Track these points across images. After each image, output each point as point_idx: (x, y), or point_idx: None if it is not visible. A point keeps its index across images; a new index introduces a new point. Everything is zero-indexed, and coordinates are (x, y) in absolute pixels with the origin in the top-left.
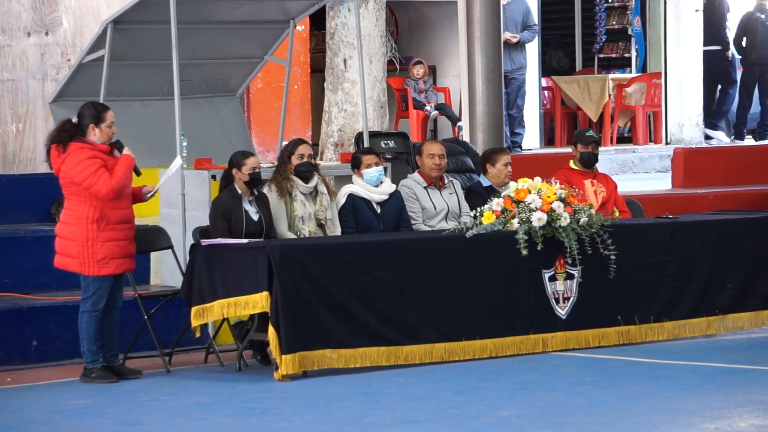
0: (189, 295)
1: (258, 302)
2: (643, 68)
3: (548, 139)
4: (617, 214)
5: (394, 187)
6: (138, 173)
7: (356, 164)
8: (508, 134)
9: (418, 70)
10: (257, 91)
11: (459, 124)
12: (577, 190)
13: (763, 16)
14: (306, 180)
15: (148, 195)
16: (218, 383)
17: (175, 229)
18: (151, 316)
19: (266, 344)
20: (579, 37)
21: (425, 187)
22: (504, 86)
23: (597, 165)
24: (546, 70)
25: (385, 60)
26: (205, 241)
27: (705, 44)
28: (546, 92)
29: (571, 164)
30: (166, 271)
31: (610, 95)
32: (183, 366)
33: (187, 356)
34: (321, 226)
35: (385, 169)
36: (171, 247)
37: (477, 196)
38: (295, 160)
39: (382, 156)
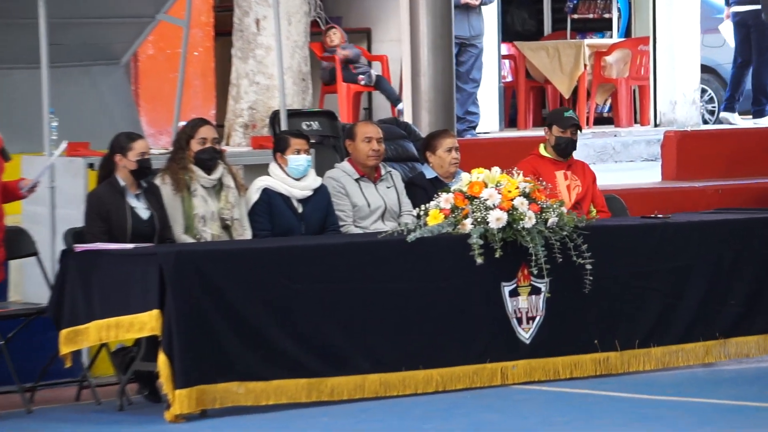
0: (58, 315)
1: (146, 323)
2: (626, 32)
3: (509, 119)
4: (594, 213)
5: (319, 180)
6: (7, 158)
7: (281, 147)
8: (461, 114)
9: (332, 37)
10: (147, 59)
11: (399, 106)
12: (545, 183)
13: None
14: (208, 170)
15: (25, 189)
16: (94, 426)
17: (41, 230)
18: (8, 341)
19: (156, 376)
20: None
21: (357, 180)
22: (456, 55)
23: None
24: (507, 34)
25: (308, 21)
26: (79, 247)
27: (736, 1)
28: (507, 62)
29: (542, 150)
30: (29, 284)
31: (585, 65)
32: (49, 404)
33: (54, 392)
34: (227, 227)
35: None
36: (36, 253)
37: (420, 191)
38: (194, 146)
39: None
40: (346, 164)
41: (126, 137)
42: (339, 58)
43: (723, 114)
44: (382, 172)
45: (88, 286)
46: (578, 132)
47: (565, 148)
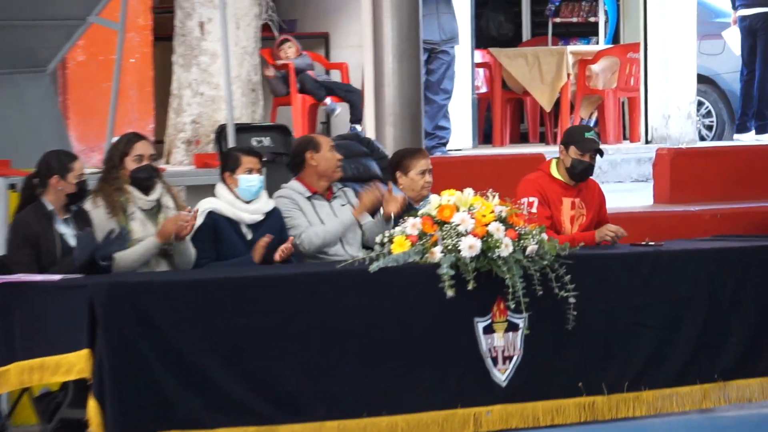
0: None
1: (74, 365)
2: (614, 38)
3: (484, 135)
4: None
5: (271, 203)
6: None
7: (230, 166)
8: (430, 129)
9: (287, 51)
10: (77, 66)
11: (354, 127)
12: (528, 209)
13: None
14: (146, 191)
15: None
16: None
17: None
18: None
19: (85, 425)
20: None
21: (309, 198)
22: (426, 62)
23: None
24: (482, 39)
25: (259, 24)
26: None
27: (743, 4)
28: (481, 70)
29: (553, 169)
30: None
31: (569, 75)
32: None
33: None
34: (167, 254)
35: None
36: None
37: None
38: (130, 164)
39: None
40: (294, 183)
41: (66, 156)
42: (293, 66)
43: (736, 135)
44: (334, 189)
45: (9, 323)
46: (597, 156)
47: (580, 174)
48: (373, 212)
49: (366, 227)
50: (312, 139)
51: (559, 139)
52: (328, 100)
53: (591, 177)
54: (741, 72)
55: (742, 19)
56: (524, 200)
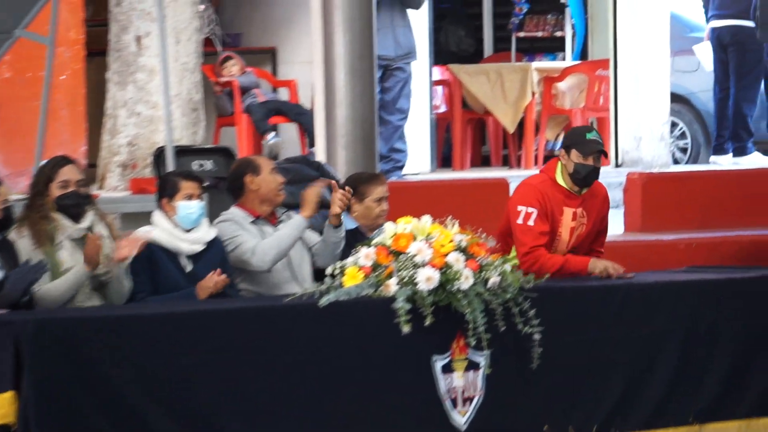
0: None
1: None
2: (582, 54)
3: (443, 158)
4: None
5: (213, 232)
6: None
7: (168, 192)
8: (385, 151)
9: (231, 69)
10: (3, 84)
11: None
12: (484, 236)
13: None
14: (75, 218)
15: None
16: None
17: None
18: None
19: None
20: (489, 7)
21: (253, 223)
22: (380, 79)
23: None
24: (440, 55)
25: (200, 39)
26: None
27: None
28: (440, 88)
29: (558, 177)
30: None
31: (533, 93)
32: None
33: None
34: (100, 287)
35: None
36: None
37: None
38: (54, 190)
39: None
40: (235, 210)
41: None
42: (238, 84)
43: (713, 158)
44: (278, 214)
45: None
46: (601, 159)
47: (584, 179)
48: (321, 206)
49: (316, 249)
50: (251, 162)
51: (523, 163)
52: (269, 135)
53: (603, 186)
54: (714, 90)
55: (712, 31)
56: (522, 209)
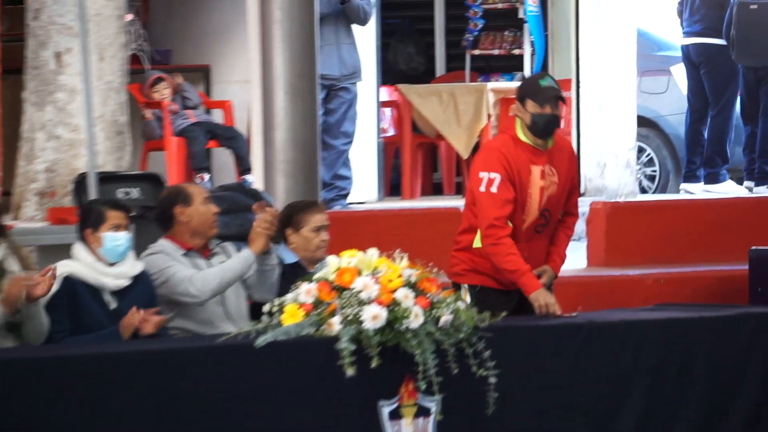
0: None
1: None
2: None
3: (391, 186)
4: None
5: (139, 266)
6: None
7: (93, 222)
8: (328, 179)
9: (162, 92)
10: None
11: (249, 177)
12: (435, 270)
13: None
14: None
15: None
16: None
17: None
18: None
19: None
20: (441, 23)
21: (185, 255)
22: (324, 101)
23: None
24: (389, 74)
25: (126, 56)
26: None
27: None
28: (388, 110)
29: (519, 132)
30: None
31: (489, 116)
32: None
33: None
34: (13, 328)
35: None
36: None
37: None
38: None
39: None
40: (164, 242)
41: None
42: (167, 104)
43: (683, 186)
44: (211, 246)
45: None
46: (560, 106)
47: (543, 128)
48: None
49: (251, 281)
50: (181, 191)
51: None
52: (205, 177)
53: (566, 139)
54: (687, 112)
55: (683, 49)
56: (484, 176)
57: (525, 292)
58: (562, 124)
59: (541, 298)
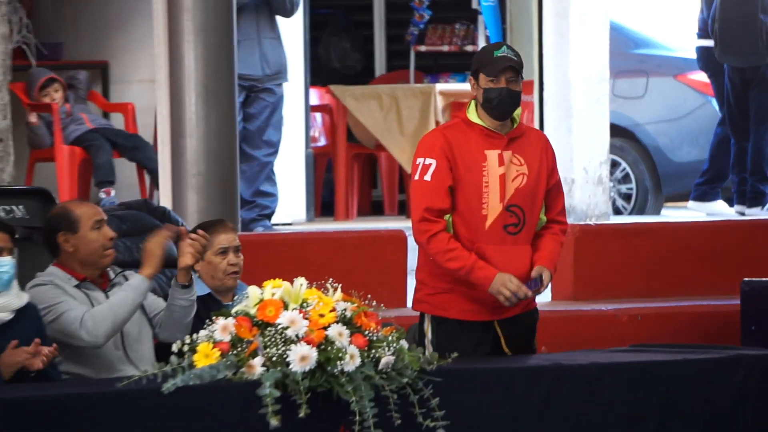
0: None
1: None
2: None
3: (322, 204)
4: (543, 222)
5: (25, 297)
6: None
7: None
8: (248, 196)
9: (53, 95)
10: None
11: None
12: (375, 304)
13: None
14: None
15: None
16: None
17: None
18: None
19: None
20: (381, 14)
21: (77, 287)
22: (243, 104)
23: (516, 118)
24: (319, 74)
25: (9, 49)
26: None
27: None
28: (319, 116)
29: (471, 113)
30: None
31: (438, 122)
32: None
33: None
34: None
35: None
36: None
37: None
38: None
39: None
40: (54, 269)
41: None
42: (57, 107)
43: (692, 204)
44: (111, 275)
45: None
46: (519, 78)
47: (498, 105)
48: (168, 263)
49: (159, 319)
50: (66, 215)
51: None
52: (111, 194)
53: (537, 130)
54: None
55: (698, 50)
56: (419, 162)
57: (482, 288)
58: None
59: (503, 288)
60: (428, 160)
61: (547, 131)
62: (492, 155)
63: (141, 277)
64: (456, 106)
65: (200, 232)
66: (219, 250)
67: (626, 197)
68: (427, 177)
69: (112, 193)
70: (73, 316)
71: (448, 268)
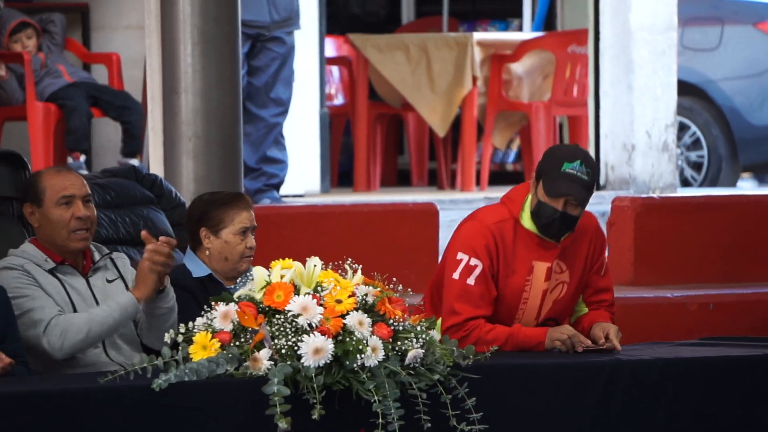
0: None
1: None
2: (546, 22)
3: (340, 174)
4: (582, 312)
5: None
6: None
7: None
8: (253, 163)
9: (26, 41)
10: None
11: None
12: (401, 288)
13: None
14: None
15: None
16: None
17: None
18: None
19: None
20: None
21: (52, 271)
22: (247, 56)
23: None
24: (337, 21)
25: None
26: None
27: None
28: (336, 70)
29: (524, 217)
30: None
31: (475, 79)
32: None
33: None
34: None
35: None
36: None
37: (177, 298)
38: None
39: None
40: (29, 247)
41: None
42: (30, 57)
43: None
44: (96, 257)
45: None
46: (582, 201)
47: (548, 227)
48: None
49: (142, 324)
50: (33, 184)
51: (459, 183)
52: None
53: (594, 218)
54: None
55: None
56: (462, 258)
57: (536, 347)
58: (575, 91)
59: (558, 334)
60: (473, 261)
61: (603, 89)
62: (540, 268)
63: (131, 297)
64: (496, 59)
65: (163, 238)
66: (240, 229)
67: (696, 166)
68: (471, 281)
69: (82, 158)
70: (37, 318)
71: (491, 344)
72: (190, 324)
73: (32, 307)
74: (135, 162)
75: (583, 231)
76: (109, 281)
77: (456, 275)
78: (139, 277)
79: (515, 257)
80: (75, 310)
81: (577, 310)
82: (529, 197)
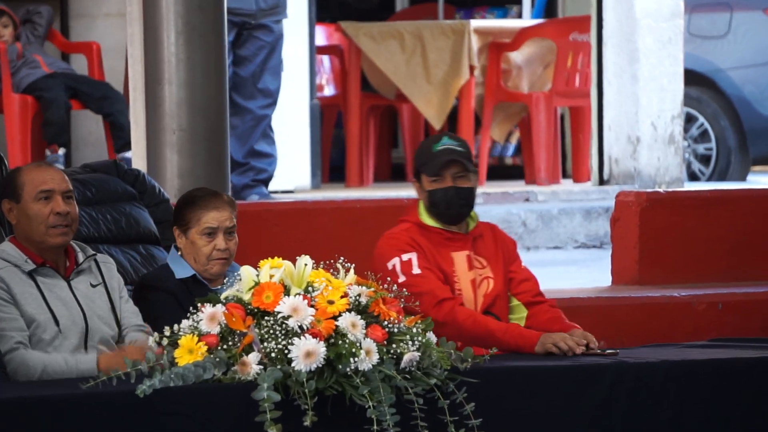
0: None
1: None
2: (547, 8)
3: (331, 168)
4: (523, 316)
5: None
6: None
7: None
8: (240, 157)
9: (2, 30)
10: None
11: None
12: (395, 288)
13: None
14: None
15: None
16: None
17: None
18: None
19: None
20: None
21: (32, 273)
22: (233, 45)
23: (474, 215)
24: (327, 8)
25: None
26: None
27: None
28: (326, 59)
29: (423, 215)
30: None
31: (473, 68)
32: None
33: None
34: None
35: None
36: None
37: (163, 300)
38: None
39: None
40: (9, 247)
41: None
42: (5, 47)
43: None
44: (80, 258)
45: None
46: (470, 173)
47: (447, 209)
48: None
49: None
50: (12, 179)
51: None
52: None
53: (490, 223)
54: None
55: None
56: (394, 262)
57: (526, 348)
58: (577, 81)
59: (551, 340)
60: (405, 256)
61: (607, 78)
62: (460, 258)
63: (93, 366)
64: (494, 47)
65: None
66: (205, 230)
67: (704, 159)
68: (416, 270)
69: (61, 151)
70: (3, 337)
71: (475, 335)
72: (176, 327)
73: (2, 328)
74: (130, 155)
75: (484, 229)
76: (93, 286)
77: (402, 278)
78: (118, 352)
79: (433, 254)
80: (55, 319)
81: (519, 314)
82: (421, 205)
